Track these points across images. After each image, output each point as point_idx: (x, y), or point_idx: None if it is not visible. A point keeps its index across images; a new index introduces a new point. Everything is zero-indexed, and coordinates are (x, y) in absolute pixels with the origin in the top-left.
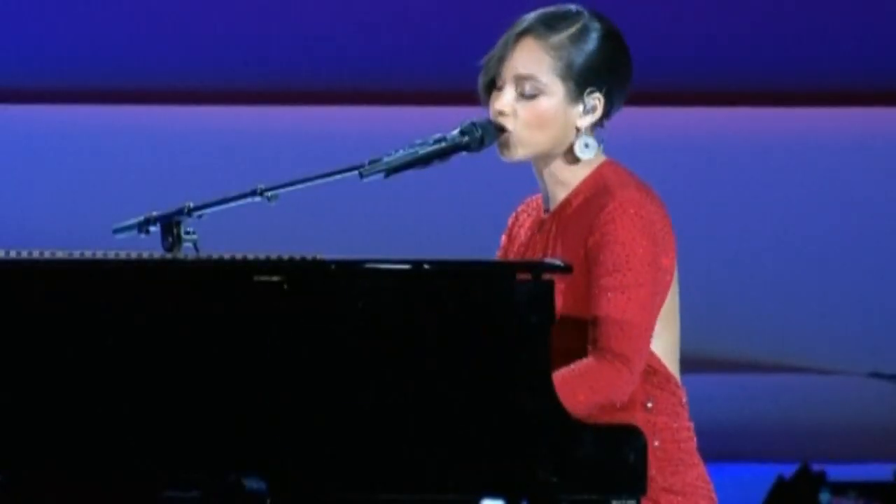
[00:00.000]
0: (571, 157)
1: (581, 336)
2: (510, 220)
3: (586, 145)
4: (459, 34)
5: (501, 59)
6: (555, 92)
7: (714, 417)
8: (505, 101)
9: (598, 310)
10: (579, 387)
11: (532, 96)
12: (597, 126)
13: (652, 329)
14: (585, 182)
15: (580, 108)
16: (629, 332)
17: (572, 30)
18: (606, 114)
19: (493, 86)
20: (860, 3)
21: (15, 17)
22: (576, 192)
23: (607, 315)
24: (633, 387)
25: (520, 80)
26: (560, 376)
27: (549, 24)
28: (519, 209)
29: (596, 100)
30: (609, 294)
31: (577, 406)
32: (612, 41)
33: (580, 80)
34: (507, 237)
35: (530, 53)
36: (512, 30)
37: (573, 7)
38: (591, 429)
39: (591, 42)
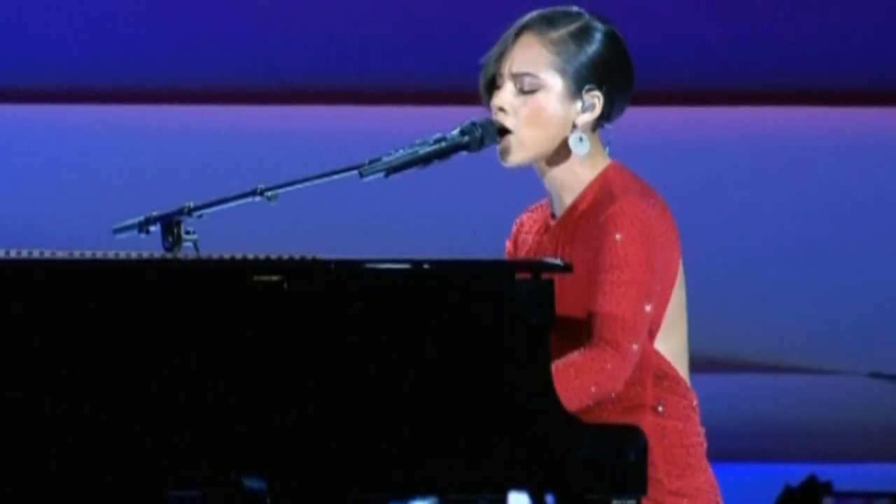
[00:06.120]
0: (573, 159)
1: (583, 338)
2: (515, 227)
3: (580, 139)
4: (459, 34)
5: (501, 57)
6: (553, 87)
7: (713, 417)
8: (504, 98)
9: (593, 304)
10: (572, 374)
11: (531, 91)
12: (598, 127)
13: (644, 327)
14: (591, 186)
15: (578, 105)
16: (620, 323)
17: (572, 27)
18: (606, 115)
19: (493, 84)
20: (860, 3)
21: (15, 17)
22: (582, 196)
23: (601, 307)
24: (626, 375)
25: (519, 76)
26: (553, 367)
27: (550, 21)
28: (524, 216)
29: (595, 98)
30: (604, 289)
31: (570, 392)
32: (613, 42)
33: (578, 77)
34: (513, 243)
35: (530, 49)
36: (511, 28)
37: (575, 7)
38: (592, 428)
39: (591, 40)
